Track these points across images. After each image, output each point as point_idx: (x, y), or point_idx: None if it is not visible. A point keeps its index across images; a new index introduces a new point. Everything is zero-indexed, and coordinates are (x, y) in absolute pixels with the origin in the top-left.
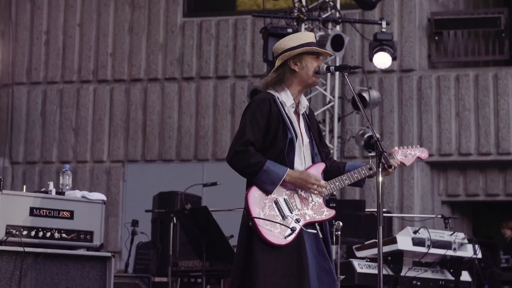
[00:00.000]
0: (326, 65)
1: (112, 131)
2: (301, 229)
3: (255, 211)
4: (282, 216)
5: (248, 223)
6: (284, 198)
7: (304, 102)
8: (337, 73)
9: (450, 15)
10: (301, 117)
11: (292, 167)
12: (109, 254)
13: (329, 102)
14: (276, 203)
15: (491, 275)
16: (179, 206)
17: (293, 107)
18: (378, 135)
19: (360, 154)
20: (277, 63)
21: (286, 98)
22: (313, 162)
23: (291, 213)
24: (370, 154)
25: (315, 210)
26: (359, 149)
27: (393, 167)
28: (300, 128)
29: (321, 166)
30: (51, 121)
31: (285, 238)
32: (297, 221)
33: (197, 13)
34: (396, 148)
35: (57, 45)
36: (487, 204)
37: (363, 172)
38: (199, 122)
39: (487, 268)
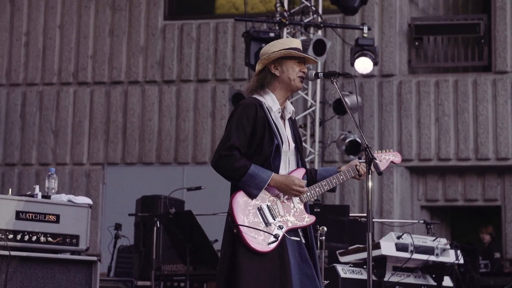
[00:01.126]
0: (314, 72)
1: (92, 134)
2: (284, 236)
3: (239, 218)
4: (265, 223)
5: (233, 230)
6: (267, 205)
7: (290, 107)
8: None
9: (430, 20)
10: (287, 122)
11: (277, 173)
12: (95, 258)
13: (311, 107)
14: (260, 210)
15: (471, 280)
16: (162, 210)
17: (279, 112)
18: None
19: (340, 159)
20: (258, 67)
21: (272, 103)
22: (298, 167)
23: (274, 220)
24: (360, 161)
25: (297, 216)
26: (339, 153)
27: (363, 174)
28: (287, 133)
29: (301, 171)
30: (30, 123)
31: (268, 245)
32: (280, 227)
33: (178, 16)
34: (373, 153)
35: (37, 47)
36: (465, 209)
37: (342, 177)
38: (180, 125)
39: (466, 273)
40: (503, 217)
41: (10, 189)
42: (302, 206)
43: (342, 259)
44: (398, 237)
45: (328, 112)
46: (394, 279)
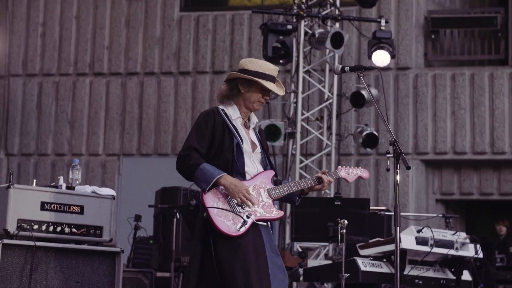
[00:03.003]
0: (341, 66)
1: (107, 125)
2: (256, 224)
3: (209, 203)
4: (234, 211)
5: (203, 214)
6: None
7: (254, 119)
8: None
9: (447, 13)
10: (251, 130)
11: (243, 169)
12: (118, 249)
13: (327, 99)
14: (229, 199)
15: (487, 274)
16: (182, 201)
17: (240, 120)
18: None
19: (355, 151)
20: (229, 75)
21: (232, 112)
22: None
23: (243, 209)
24: (388, 155)
25: (265, 209)
26: (355, 146)
27: (327, 183)
28: (251, 138)
29: (270, 173)
30: (46, 114)
31: (237, 229)
32: (248, 216)
33: (194, 7)
34: (340, 166)
35: (54, 37)
36: (481, 203)
37: (309, 182)
38: (195, 116)
39: (482, 267)
40: None
41: (35, 180)
42: (270, 201)
43: (362, 252)
44: (418, 231)
45: (344, 105)
46: (414, 272)
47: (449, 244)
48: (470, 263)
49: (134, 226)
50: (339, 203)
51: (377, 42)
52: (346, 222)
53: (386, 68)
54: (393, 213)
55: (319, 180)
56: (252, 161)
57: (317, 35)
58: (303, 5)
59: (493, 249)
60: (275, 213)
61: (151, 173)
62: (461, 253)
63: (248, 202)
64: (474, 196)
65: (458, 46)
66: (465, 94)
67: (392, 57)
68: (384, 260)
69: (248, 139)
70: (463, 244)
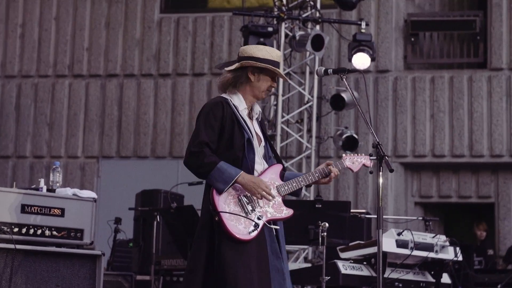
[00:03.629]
0: (324, 68)
1: (87, 127)
2: (264, 226)
3: (220, 206)
4: (245, 212)
5: (214, 218)
6: (246, 196)
7: (257, 108)
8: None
9: (426, 17)
10: (254, 121)
11: (252, 166)
12: (99, 252)
13: (308, 102)
14: (240, 200)
15: (465, 277)
16: (162, 204)
17: (246, 111)
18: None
19: (335, 154)
20: (237, 65)
21: (238, 102)
22: (267, 164)
23: (254, 210)
24: (371, 157)
25: (276, 208)
26: (334, 148)
27: (335, 176)
28: (256, 130)
29: (278, 167)
30: (25, 115)
31: (249, 233)
32: (260, 217)
33: (174, 9)
34: (344, 155)
35: (33, 39)
36: (459, 205)
37: (317, 175)
38: (175, 119)
39: (460, 270)
40: (497, 214)
41: (15, 183)
42: (280, 199)
43: (343, 255)
44: (399, 234)
45: (324, 108)
46: (394, 275)
47: (429, 247)
48: (449, 266)
49: (114, 229)
50: (320, 206)
51: (358, 44)
52: (327, 225)
53: (366, 71)
54: (373, 216)
55: (326, 174)
56: (259, 157)
57: (297, 38)
58: (283, 8)
59: (471, 252)
60: (285, 212)
61: (131, 175)
62: (440, 256)
63: (269, 197)
64: (452, 199)
65: (437, 49)
66: (444, 97)
67: (372, 59)
68: (365, 263)
69: (255, 132)
70: (443, 247)
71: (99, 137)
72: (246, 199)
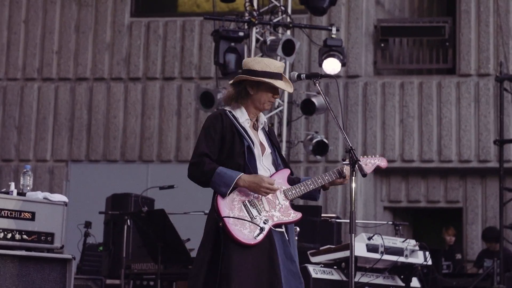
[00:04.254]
0: (297, 73)
1: (56, 130)
2: (271, 230)
3: (224, 211)
4: (251, 217)
5: (218, 224)
6: (252, 200)
7: (262, 118)
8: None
9: (396, 22)
10: (260, 131)
11: (256, 173)
12: (70, 256)
13: (278, 107)
14: (245, 205)
15: (433, 281)
16: (133, 208)
17: (248, 122)
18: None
19: (305, 159)
20: (235, 79)
21: (240, 114)
22: (277, 170)
23: (260, 214)
24: (344, 162)
25: (282, 212)
26: (304, 153)
27: (347, 174)
28: (260, 139)
29: (286, 172)
30: None
31: (255, 238)
32: (266, 221)
33: (144, 13)
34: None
35: (1, 41)
36: (428, 210)
37: (327, 178)
38: (145, 123)
39: (429, 274)
40: (465, 218)
41: None
42: (287, 203)
43: (313, 259)
44: (369, 238)
45: (294, 112)
46: (364, 279)
47: (399, 252)
48: (418, 270)
49: (84, 232)
50: None
51: (328, 50)
52: (298, 229)
53: (336, 76)
54: (344, 220)
55: (340, 174)
56: (262, 164)
57: (268, 42)
58: (254, 12)
59: (439, 256)
60: (293, 215)
61: (100, 179)
62: (410, 260)
63: (273, 191)
64: (421, 203)
65: (407, 55)
66: (414, 102)
67: (343, 65)
68: (335, 267)
69: (257, 141)
70: (413, 251)
71: (68, 140)
72: (250, 204)
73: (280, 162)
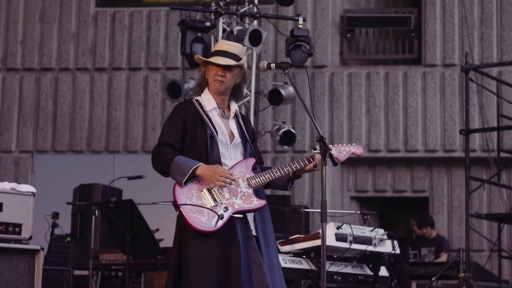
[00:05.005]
0: (266, 62)
1: (21, 121)
2: (232, 218)
3: (181, 200)
4: (210, 205)
5: (176, 212)
6: (211, 189)
7: (233, 106)
8: (253, 67)
9: (362, 13)
10: (231, 120)
11: (219, 161)
12: (38, 247)
13: (245, 97)
14: (204, 193)
15: (400, 269)
16: (100, 198)
17: (217, 111)
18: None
19: (272, 149)
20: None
21: (207, 101)
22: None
23: (220, 202)
24: (314, 151)
25: (244, 200)
26: (271, 143)
27: (318, 160)
28: (231, 128)
29: (250, 161)
30: None
31: (213, 225)
32: (226, 209)
33: (110, 3)
34: (330, 145)
35: None
36: (394, 200)
37: (295, 165)
38: (111, 113)
39: (396, 263)
40: (431, 208)
41: None
42: (251, 191)
43: (282, 249)
44: (338, 227)
45: (261, 103)
46: (333, 269)
47: (367, 241)
48: (385, 259)
49: (51, 223)
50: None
51: (295, 40)
52: None
53: (302, 66)
54: (312, 210)
55: (309, 160)
56: (229, 152)
57: (235, 33)
58: (221, 2)
59: (406, 246)
60: (256, 203)
61: (66, 170)
62: (379, 249)
63: (228, 181)
64: (388, 193)
65: (373, 45)
66: (380, 92)
67: (310, 55)
68: (304, 256)
69: (227, 130)
70: (381, 240)
71: (34, 131)
72: (209, 192)
73: (251, 151)
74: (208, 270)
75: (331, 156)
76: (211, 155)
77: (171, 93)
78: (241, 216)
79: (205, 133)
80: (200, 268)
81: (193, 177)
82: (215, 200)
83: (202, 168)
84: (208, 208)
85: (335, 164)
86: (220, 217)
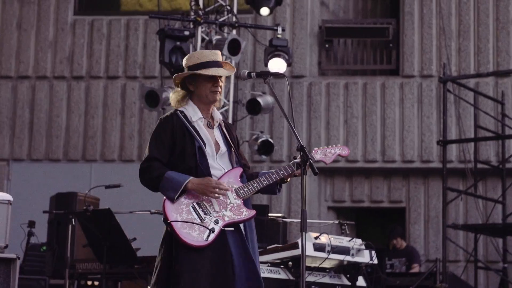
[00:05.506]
0: (247, 71)
1: None
2: (223, 231)
3: (172, 216)
4: (200, 219)
5: (167, 228)
6: (200, 203)
7: (217, 116)
8: (232, 77)
9: (340, 23)
10: (215, 129)
11: (208, 173)
12: (14, 256)
13: (223, 106)
14: (193, 207)
15: (377, 280)
16: (77, 207)
17: (202, 121)
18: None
19: (250, 159)
20: (175, 81)
21: (193, 112)
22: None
23: (210, 215)
24: (295, 160)
25: (234, 211)
26: (249, 153)
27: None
28: (216, 138)
29: (237, 171)
30: None
31: (205, 239)
32: (216, 222)
33: (88, 11)
34: (316, 148)
35: None
36: (371, 210)
37: (282, 172)
38: (88, 122)
39: (373, 273)
40: (408, 218)
41: None
42: (240, 202)
43: (260, 258)
44: (316, 237)
45: (240, 112)
46: (311, 279)
47: (345, 251)
48: (362, 269)
49: (27, 232)
50: None
51: (274, 49)
52: None
53: (285, 75)
54: (290, 220)
55: (297, 167)
56: (217, 163)
57: (214, 42)
58: (200, 12)
59: (383, 256)
60: (245, 213)
61: (43, 178)
62: (356, 259)
63: (223, 192)
64: (365, 203)
65: (351, 56)
66: (358, 103)
67: (288, 65)
68: (282, 266)
69: (212, 139)
70: (359, 250)
71: (10, 139)
72: (199, 206)
73: (237, 160)
74: (200, 282)
75: (311, 165)
76: (200, 168)
77: (149, 102)
78: (232, 228)
79: (194, 146)
80: (192, 280)
81: (183, 191)
82: (205, 213)
83: (193, 182)
84: (198, 224)
85: (315, 173)
86: (212, 230)
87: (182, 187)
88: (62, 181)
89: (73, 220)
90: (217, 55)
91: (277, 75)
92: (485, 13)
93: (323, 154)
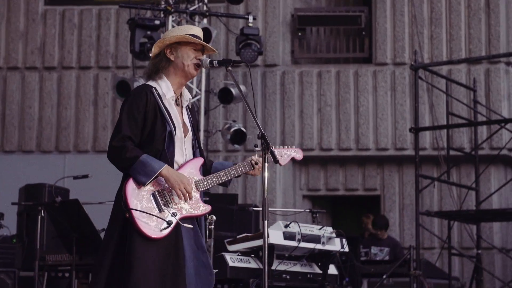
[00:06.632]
0: (209, 59)
1: None
2: (178, 223)
3: (132, 202)
4: (159, 209)
5: (125, 215)
6: (161, 192)
7: (187, 95)
8: None
9: (313, 12)
10: (184, 109)
11: (172, 160)
12: None
13: (195, 96)
14: (154, 195)
15: (351, 268)
16: (47, 198)
17: (173, 99)
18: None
19: (223, 148)
20: (154, 50)
21: (166, 89)
22: (194, 155)
23: (168, 206)
24: (256, 149)
25: (192, 205)
26: (223, 142)
27: (259, 166)
28: (184, 120)
29: (199, 161)
30: None
31: (161, 231)
32: (174, 214)
33: (59, 1)
34: (272, 147)
35: None
36: (346, 198)
37: (240, 169)
38: (61, 113)
39: (347, 261)
40: (382, 206)
41: None
42: (197, 195)
43: (230, 248)
44: (286, 226)
45: (212, 101)
46: (282, 267)
47: (316, 239)
48: (336, 257)
49: None
50: (207, 198)
51: (245, 38)
52: (214, 217)
53: (253, 65)
54: (260, 209)
55: (253, 166)
56: (182, 149)
57: None
58: (170, 1)
59: (357, 244)
60: (202, 208)
61: (15, 170)
62: (327, 247)
63: (186, 197)
64: (339, 191)
65: (324, 44)
66: (331, 91)
67: (260, 53)
68: (252, 255)
69: (181, 120)
70: (330, 238)
71: None
72: (159, 195)
73: (197, 144)
74: (150, 275)
75: (272, 153)
76: (165, 153)
77: (120, 92)
78: (191, 226)
79: (164, 130)
80: (143, 272)
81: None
82: (164, 204)
83: (169, 170)
84: (157, 216)
85: (276, 161)
86: (168, 223)
87: (156, 174)
88: (35, 172)
89: (42, 211)
90: (201, 33)
91: (238, 63)
92: (456, 0)
93: (279, 155)
